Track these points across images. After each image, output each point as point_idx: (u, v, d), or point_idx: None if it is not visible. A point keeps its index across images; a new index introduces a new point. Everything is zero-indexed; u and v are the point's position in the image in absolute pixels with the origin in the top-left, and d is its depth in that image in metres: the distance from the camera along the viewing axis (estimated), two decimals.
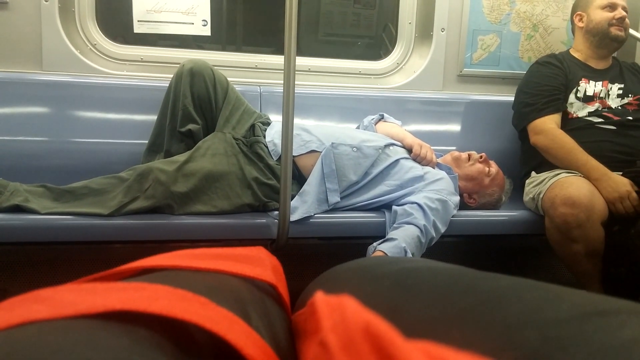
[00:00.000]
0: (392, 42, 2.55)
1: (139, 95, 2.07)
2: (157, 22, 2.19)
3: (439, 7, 2.38)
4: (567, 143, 1.89)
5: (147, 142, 1.83)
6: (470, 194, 1.90)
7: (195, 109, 1.78)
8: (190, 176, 1.57)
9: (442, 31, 2.40)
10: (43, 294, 0.33)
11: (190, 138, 1.76)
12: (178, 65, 1.81)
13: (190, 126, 1.76)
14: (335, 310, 0.31)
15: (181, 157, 1.61)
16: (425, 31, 2.45)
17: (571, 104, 2.02)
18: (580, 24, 2.14)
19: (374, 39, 3.08)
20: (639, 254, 1.63)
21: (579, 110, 2.01)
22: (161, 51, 2.25)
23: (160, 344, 0.31)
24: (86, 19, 2.14)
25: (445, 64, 2.44)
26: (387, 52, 2.55)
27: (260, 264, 0.51)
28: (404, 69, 2.49)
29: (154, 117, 1.84)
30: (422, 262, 0.51)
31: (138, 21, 2.17)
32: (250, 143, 1.75)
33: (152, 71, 2.19)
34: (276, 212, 1.58)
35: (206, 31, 2.25)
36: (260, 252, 0.55)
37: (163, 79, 2.00)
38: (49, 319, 0.29)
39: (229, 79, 1.87)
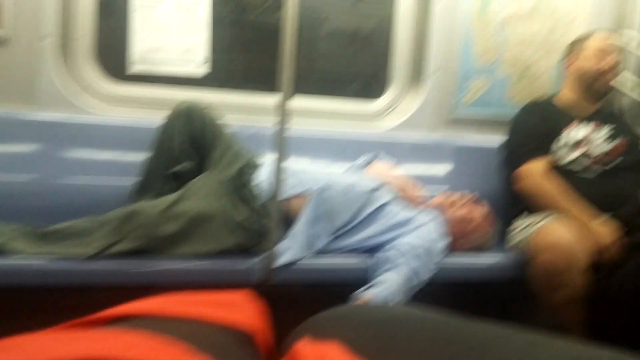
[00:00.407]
0: (386, 84, 2.60)
1: (131, 135, 2.08)
2: (155, 61, 2.24)
3: (431, 50, 2.43)
4: (554, 188, 1.91)
5: (136, 182, 1.84)
6: (458, 238, 1.91)
7: (188, 149, 1.80)
8: (178, 217, 1.57)
9: (434, 74, 2.45)
10: (17, 341, 0.33)
11: (181, 178, 1.77)
12: (173, 105, 1.83)
13: (182, 166, 1.78)
14: (320, 359, 0.31)
15: (170, 198, 1.61)
16: (417, 73, 2.50)
17: (558, 149, 2.05)
18: (571, 69, 2.18)
19: (367, 80, 3.13)
20: (622, 300, 1.63)
21: (565, 156, 2.04)
22: (157, 90, 2.29)
23: None
24: (83, 58, 2.18)
25: (437, 107, 2.48)
26: (380, 94, 2.59)
27: (244, 310, 0.51)
28: (396, 111, 2.53)
29: (144, 157, 1.85)
30: (407, 310, 0.51)
31: (135, 61, 2.22)
32: (240, 184, 1.77)
33: (148, 110, 2.21)
34: (262, 256, 1.58)
35: (203, 71, 2.29)
36: (245, 296, 0.55)
37: (158, 119, 2.02)
38: None
39: (224, 118, 1.90)
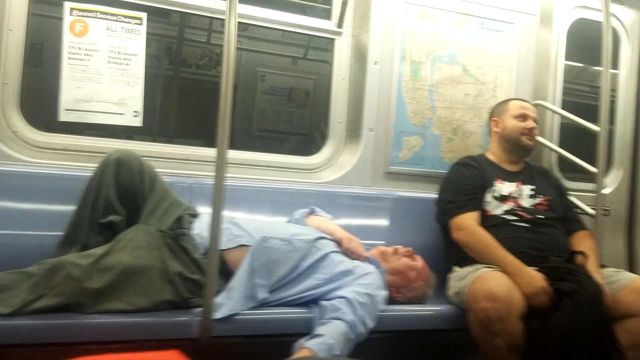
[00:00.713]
0: (324, 140, 2.65)
1: (58, 185, 1.99)
2: (86, 111, 2.17)
3: (367, 109, 2.52)
4: (486, 239, 1.98)
5: (61, 234, 1.73)
6: (398, 288, 1.92)
7: (119, 200, 1.73)
8: (107, 271, 1.48)
9: (371, 131, 2.53)
10: None
11: (111, 230, 1.69)
12: (104, 155, 1.77)
13: (112, 217, 1.70)
14: None
15: (99, 251, 1.53)
16: (354, 130, 2.57)
17: (488, 202, 2.14)
18: (496, 129, 2.33)
19: (306, 135, 3.21)
20: (555, 346, 1.67)
21: (495, 209, 2.12)
22: (88, 140, 2.21)
23: None
24: (9, 105, 2.09)
25: (374, 162, 2.54)
26: (318, 149, 2.64)
27: None
28: (334, 165, 2.57)
29: (71, 208, 1.75)
30: None
31: (65, 109, 2.14)
32: (176, 236, 1.70)
33: (77, 160, 2.13)
34: (199, 309, 1.51)
35: (137, 122, 2.25)
36: (174, 357, 0.52)
37: (87, 169, 1.94)
38: None
39: (159, 170, 1.85)
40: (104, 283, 1.46)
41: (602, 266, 2.03)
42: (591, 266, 1.89)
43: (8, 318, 1.35)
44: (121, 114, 2.23)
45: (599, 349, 1.67)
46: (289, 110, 3.28)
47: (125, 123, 2.25)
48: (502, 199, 2.14)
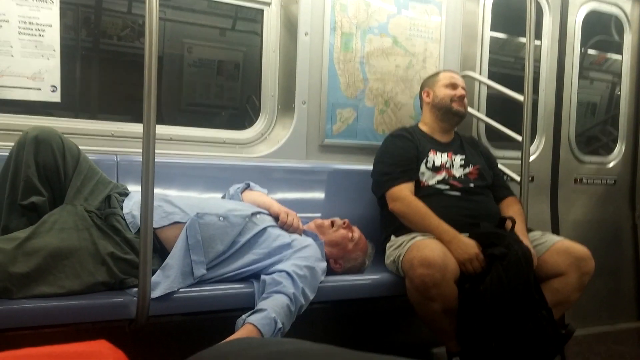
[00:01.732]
0: (256, 113, 2.60)
1: None
2: None
3: (299, 81, 2.49)
4: (421, 209, 2.03)
5: None
6: (336, 260, 1.94)
7: (40, 180, 1.60)
8: (33, 254, 1.39)
9: (304, 104, 2.51)
10: None
11: (34, 212, 1.57)
12: (21, 134, 1.64)
13: (34, 199, 1.58)
14: None
15: (22, 234, 1.43)
16: (287, 103, 2.54)
17: (422, 173, 2.19)
18: (427, 100, 2.38)
19: (238, 109, 3.13)
20: (487, 307, 1.76)
21: (429, 179, 2.18)
22: (2, 118, 2.04)
23: None
24: None
25: (308, 135, 2.53)
26: (251, 123, 2.59)
27: None
28: (268, 139, 2.53)
29: None
30: (289, 344, 0.48)
31: None
32: (105, 215, 1.62)
33: None
34: (135, 290, 1.46)
35: (55, 97, 2.10)
36: (101, 347, 0.48)
37: (3, 148, 1.79)
38: None
39: (82, 147, 1.74)
40: (30, 267, 1.38)
41: (529, 230, 2.15)
42: (519, 230, 1.99)
43: None
44: (37, 88, 2.07)
45: (527, 308, 1.77)
46: (218, 83, 3.18)
47: (42, 98, 2.09)
48: (435, 169, 2.20)
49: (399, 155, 2.21)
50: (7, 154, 1.63)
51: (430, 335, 1.89)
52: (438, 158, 2.23)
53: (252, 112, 2.70)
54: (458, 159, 2.26)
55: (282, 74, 2.56)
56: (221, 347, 0.52)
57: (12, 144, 1.64)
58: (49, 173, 1.62)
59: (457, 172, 2.23)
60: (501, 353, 1.75)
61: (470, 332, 1.80)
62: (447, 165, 2.23)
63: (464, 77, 2.55)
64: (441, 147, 2.28)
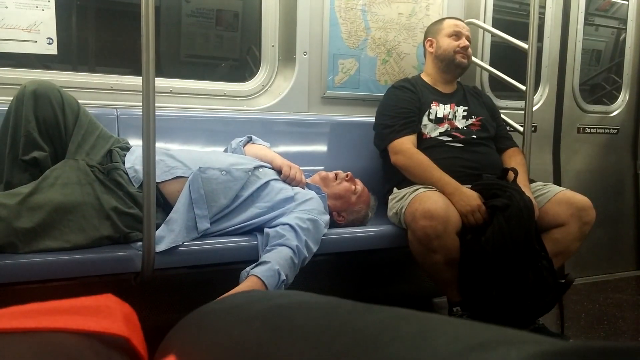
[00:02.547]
0: (257, 65, 2.55)
1: None
2: None
3: (300, 31, 2.43)
4: (423, 161, 2.02)
5: None
6: (339, 212, 1.95)
7: (40, 135, 1.59)
8: (37, 209, 1.40)
9: (305, 55, 2.46)
10: None
11: (36, 167, 1.57)
12: (19, 88, 1.62)
13: (36, 154, 1.57)
14: None
15: (25, 189, 1.43)
16: (288, 54, 2.49)
17: (424, 125, 2.17)
18: (430, 50, 2.32)
19: (238, 61, 3.07)
20: (489, 258, 1.78)
21: (432, 131, 2.16)
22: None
23: None
24: None
25: (309, 87, 2.49)
26: (252, 75, 2.54)
27: (108, 315, 0.45)
28: (269, 91, 2.50)
29: None
30: (294, 296, 0.49)
31: None
32: (108, 170, 1.62)
33: None
34: (140, 243, 1.47)
35: (52, 50, 2.06)
36: (108, 301, 0.49)
37: (1, 102, 1.77)
38: None
39: (81, 101, 1.72)
40: (35, 222, 1.39)
41: (532, 181, 2.15)
42: (521, 181, 1.99)
43: None
44: (33, 41, 2.03)
45: (528, 258, 1.79)
46: (217, 33, 3.10)
47: (38, 51, 2.05)
48: (438, 121, 2.18)
49: (401, 107, 2.18)
50: (6, 108, 1.61)
51: (432, 285, 1.93)
52: (440, 109, 2.21)
53: (252, 64, 2.65)
54: (461, 110, 2.24)
55: (283, 23, 2.50)
56: (225, 301, 0.53)
57: (10, 98, 1.62)
58: (49, 128, 1.61)
59: (460, 123, 2.21)
60: (501, 302, 1.78)
61: (471, 282, 1.83)
62: (450, 116, 2.20)
63: (468, 24, 2.48)
64: (444, 98, 2.25)
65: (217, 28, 3.11)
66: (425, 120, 2.18)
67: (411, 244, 1.86)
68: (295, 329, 0.39)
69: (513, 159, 2.20)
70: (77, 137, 1.64)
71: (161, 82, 2.06)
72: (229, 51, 3.11)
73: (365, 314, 0.37)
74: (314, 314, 0.41)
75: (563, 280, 1.87)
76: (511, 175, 1.99)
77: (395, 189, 2.11)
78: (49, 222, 1.41)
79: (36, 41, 2.04)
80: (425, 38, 2.39)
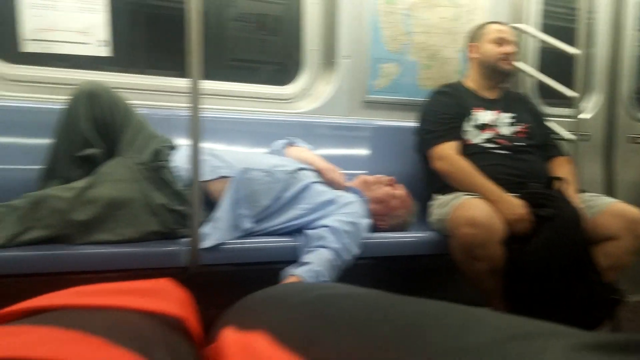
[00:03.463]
0: (298, 69, 2.58)
1: (32, 119, 1.91)
2: (49, 41, 2.04)
3: (341, 35, 2.45)
4: (466, 168, 2.00)
5: (41, 168, 1.68)
6: (381, 217, 1.94)
7: (94, 133, 1.67)
8: (91, 203, 1.46)
9: (346, 59, 2.47)
10: None
11: (90, 163, 1.64)
12: (74, 87, 1.68)
13: (89, 151, 1.65)
14: (246, 351, 0.29)
15: (80, 184, 1.50)
16: (329, 58, 2.51)
17: (468, 131, 2.14)
18: (473, 55, 2.30)
19: (280, 64, 3.11)
20: (534, 268, 1.74)
21: (475, 138, 2.13)
22: (55, 72, 2.09)
23: None
24: None
25: (350, 91, 2.50)
26: (293, 78, 2.57)
27: (166, 297, 0.47)
28: (310, 94, 2.52)
29: (48, 142, 1.69)
30: (339, 287, 0.50)
31: (26, 40, 2.01)
32: (156, 168, 1.66)
33: (45, 93, 2.02)
34: (186, 239, 1.51)
35: (105, 52, 2.13)
36: (166, 285, 0.51)
37: (58, 102, 1.85)
38: None
39: (131, 102, 1.78)
40: (89, 215, 1.44)
41: (582, 191, 2.08)
42: (570, 191, 1.94)
43: None
44: (87, 43, 2.11)
45: (576, 271, 1.74)
46: (260, 38, 3.15)
47: (91, 53, 2.13)
48: (482, 127, 2.15)
49: (443, 112, 2.16)
50: (63, 107, 1.68)
51: (475, 294, 1.89)
52: (483, 116, 2.18)
53: (293, 68, 2.68)
54: (506, 117, 2.20)
55: (324, 27, 2.53)
56: (270, 290, 0.54)
57: (67, 98, 1.68)
58: (102, 126, 1.68)
59: (505, 130, 2.17)
60: (547, 315, 1.73)
61: (515, 292, 1.79)
62: (494, 123, 2.17)
63: (514, 29, 2.44)
64: (487, 104, 2.22)
65: (259, 32, 3.17)
66: (468, 126, 2.15)
67: (453, 252, 1.83)
68: (341, 316, 0.40)
69: (561, 168, 2.15)
70: (127, 136, 1.70)
71: (206, 85, 2.09)
72: (271, 55, 3.15)
73: (408, 305, 0.38)
74: (359, 303, 0.42)
75: (615, 296, 1.80)
76: (558, 184, 1.94)
77: (437, 195, 2.09)
78: (102, 215, 1.46)
79: (89, 43, 2.12)
80: (468, 43, 2.36)
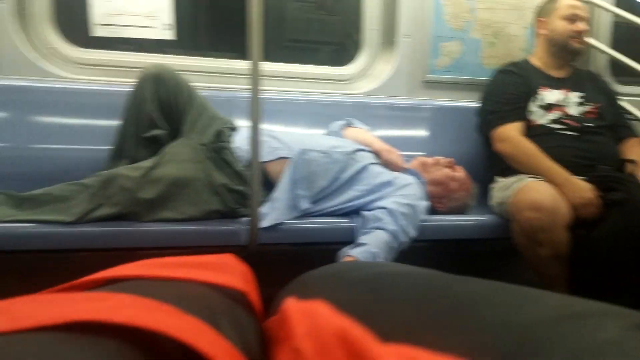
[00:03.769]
0: (357, 49, 2.56)
1: (101, 101, 2.01)
2: (118, 25, 2.13)
3: (402, 14, 2.40)
4: (530, 150, 1.93)
5: (110, 148, 1.77)
6: (439, 199, 1.92)
7: (159, 115, 1.73)
8: (157, 182, 1.52)
9: (406, 38, 2.42)
10: (4, 305, 0.31)
11: (156, 144, 1.71)
12: (140, 70, 1.76)
13: (155, 132, 1.72)
14: (308, 317, 0.30)
15: (147, 163, 1.56)
16: (389, 38, 2.47)
17: (533, 112, 2.06)
18: (541, 31, 2.19)
19: (339, 45, 3.10)
20: (602, 255, 1.66)
21: (541, 118, 2.05)
22: (122, 55, 2.19)
23: (126, 356, 0.29)
24: (43, 22, 2.06)
25: (410, 70, 2.46)
26: (352, 59, 2.56)
27: (229, 271, 0.50)
28: (369, 75, 2.50)
29: (117, 123, 1.78)
30: (396, 266, 0.50)
31: (97, 24, 2.11)
32: (217, 149, 1.71)
33: (113, 76, 2.12)
34: (246, 219, 1.55)
35: (170, 35, 2.20)
36: (229, 260, 0.54)
37: (125, 84, 1.94)
38: (7, 332, 0.27)
39: (193, 84, 1.83)
40: (155, 194, 1.51)
41: None
42: None
43: (71, 225, 1.43)
44: (152, 27, 2.18)
45: None
46: (320, 18, 3.15)
47: (156, 36, 2.20)
48: (548, 107, 2.06)
49: (508, 92, 2.08)
50: (130, 90, 1.75)
51: (536, 280, 1.84)
52: (550, 95, 2.08)
53: (352, 48, 2.66)
54: (575, 97, 2.09)
55: (384, 6, 2.49)
56: (328, 268, 0.55)
57: (134, 80, 1.76)
58: (167, 108, 1.74)
59: (573, 110, 2.07)
60: (615, 304, 1.66)
61: (580, 280, 1.72)
62: (562, 103, 2.07)
63: (587, 3, 2.30)
64: (555, 84, 2.12)
65: (318, 12, 3.16)
66: (533, 106, 2.06)
67: (515, 236, 1.78)
68: (398, 292, 0.40)
69: (633, 149, 2.03)
70: (190, 117, 1.76)
71: (266, 66, 2.13)
72: (331, 35, 3.14)
73: (463, 283, 0.38)
74: (415, 281, 0.42)
75: None
76: (631, 167, 1.84)
77: (499, 178, 2.03)
78: (167, 194, 1.52)
79: (155, 27, 2.19)
80: (536, 18, 2.25)
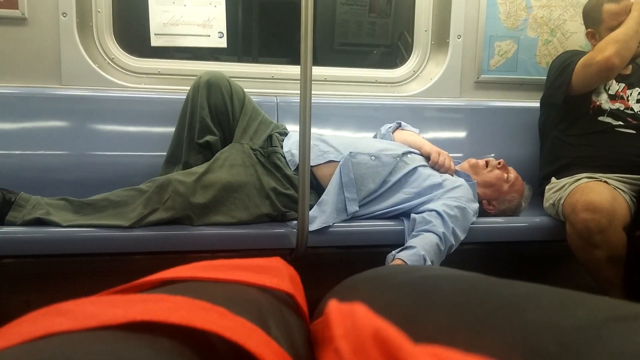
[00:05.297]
0: (408, 50, 2.55)
1: (157, 108, 2.09)
2: (174, 35, 2.22)
3: (454, 14, 2.37)
4: (620, 33, 1.85)
5: (165, 154, 1.85)
6: (490, 201, 1.88)
7: (212, 121, 1.79)
8: (209, 187, 1.57)
9: (459, 38, 2.39)
10: (65, 306, 0.33)
11: (208, 149, 1.77)
12: (194, 78, 1.82)
13: (208, 137, 1.77)
14: (347, 317, 0.31)
15: (199, 169, 1.62)
16: (441, 38, 2.44)
17: (598, 92, 1.98)
18: (594, 42, 2.08)
19: (389, 47, 3.09)
20: None
21: (603, 102, 1.97)
22: (178, 64, 2.28)
23: (182, 354, 0.31)
24: (104, 33, 2.18)
25: (462, 71, 2.42)
26: (403, 60, 2.55)
27: (277, 274, 0.51)
28: (420, 76, 2.48)
29: (171, 130, 1.86)
30: (441, 270, 0.51)
31: (155, 34, 2.20)
32: (268, 153, 1.76)
33: (169, 84, 2.21)
34: (295, 222, 1.58)
35: (222, 43, 2.27)
36: (277, 263, 0.55)
37: (180, 92, 2.02)
38: (72, 330, 0.29)
39: (245, 90, 1.89)
40: (207, 198, 1.56)
41: None
42: None
43: (128, 230, 1.50)
44: (207, 35, 2.26)
45: None
46: (370, 20, 3.15)
47: (211, 45, 2.28)
48: (612, 97, 1.98)
49: (576, 54, 2.01)
50: (184, 97, 1.83)
51: (591, 284, 1.77)
52: (615, 86, 2.00)
53: (404, 50, 2.65)
54: (635, 94, 2.00)
55: (437, 7, 2.46)
56: (374, 271, 0.56)
57: (188, 87, 1.83)
58: (220, 114, 1.80)
59: (635, 107, 1.98)
60: None
61: (638, 283, 1.65)
62: (624, 96, 1.99)
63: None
64: (617, 78, 2.03)
65: (370, 15, 3.16)
66: (600, 87, 1.98)
67: (570, 238, 1.73)
68: (441, 296, 0.41)
69: None
70: (242, 122, 1.81)
71: (317, 71, 2.16)
72: (381, 37, 3.14)
73: (508, 287, 0.39)
74: (459, 284, 0.43)
75: None
76: None
77: (553, 178, 1.97)
78: (219, 199, 1.58)
79: (209, 35, 2.27)
80: (585, 26, 2.12)
